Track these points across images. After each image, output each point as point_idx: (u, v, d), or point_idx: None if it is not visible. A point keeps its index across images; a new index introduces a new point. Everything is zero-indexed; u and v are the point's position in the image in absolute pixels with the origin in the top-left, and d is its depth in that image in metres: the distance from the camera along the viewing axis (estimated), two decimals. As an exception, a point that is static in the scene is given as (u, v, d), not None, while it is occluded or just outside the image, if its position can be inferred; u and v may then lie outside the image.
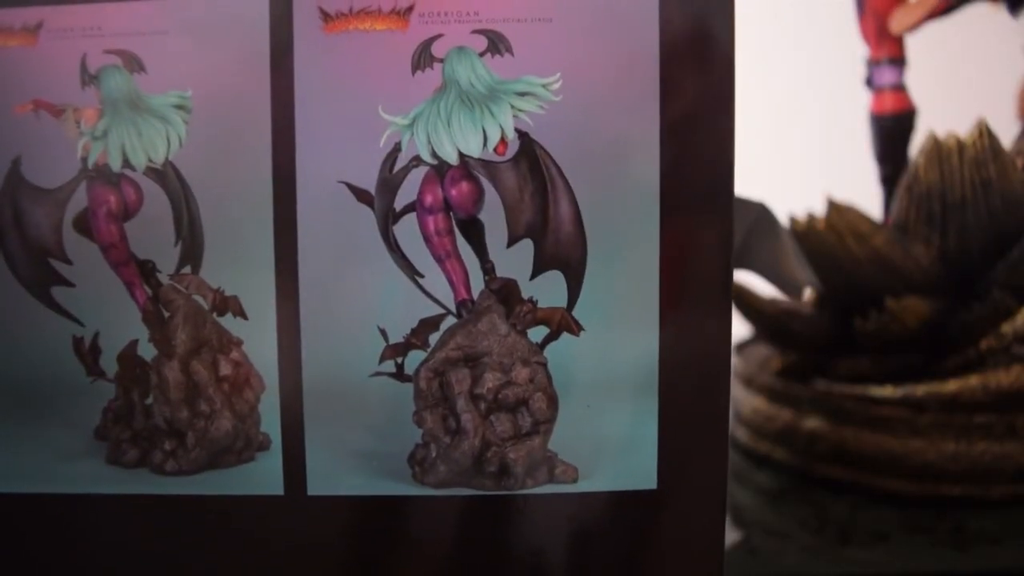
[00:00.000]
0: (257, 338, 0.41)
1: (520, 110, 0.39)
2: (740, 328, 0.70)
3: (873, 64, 0.70)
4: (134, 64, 0.40)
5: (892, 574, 0.52)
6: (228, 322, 0.41)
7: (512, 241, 0.40)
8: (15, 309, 0.41)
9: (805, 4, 0.84)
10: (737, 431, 0.68)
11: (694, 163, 0.39)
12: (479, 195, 0.40)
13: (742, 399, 0.68)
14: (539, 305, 0.40)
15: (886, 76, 0.69)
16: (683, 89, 0.39)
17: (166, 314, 0.41)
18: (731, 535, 0.55)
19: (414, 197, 0.40)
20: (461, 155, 0.39)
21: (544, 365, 0.40)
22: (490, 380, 0.40)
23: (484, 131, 0.39)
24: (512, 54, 0.39)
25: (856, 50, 0.70)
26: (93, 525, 0.41)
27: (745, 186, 0.42)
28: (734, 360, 0.69)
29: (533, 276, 0.40)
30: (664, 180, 0.39)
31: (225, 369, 0.41)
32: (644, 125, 0.39)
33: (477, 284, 0.40)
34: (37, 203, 0.41)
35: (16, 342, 0.41)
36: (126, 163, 0.40)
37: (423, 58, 0.39)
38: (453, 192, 0.40)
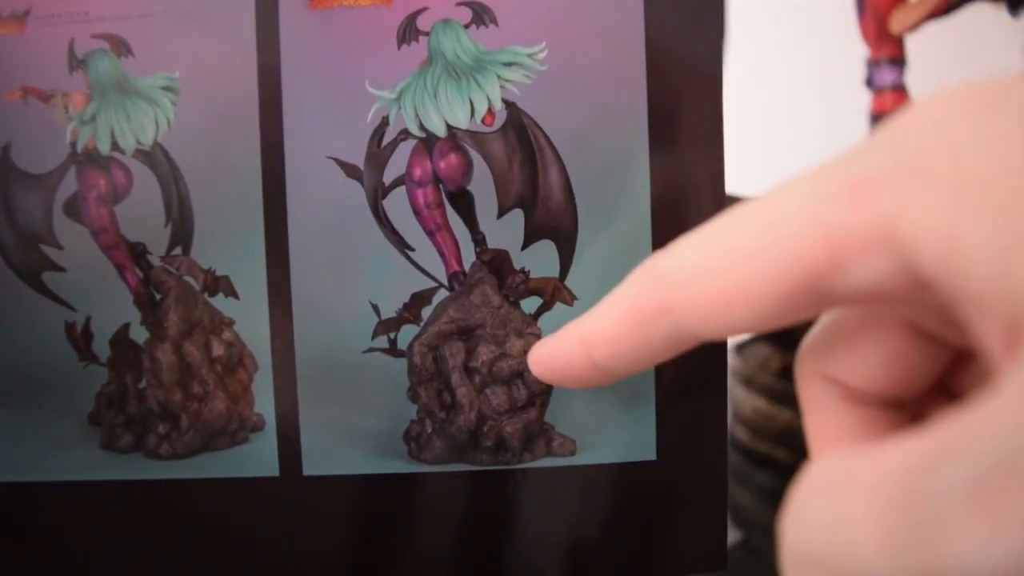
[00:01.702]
0: (249, 318, 0.40)
1: (507, 80, 0.39)
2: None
3: (873, 64, 0.69)
4: (121, 48, 0.40)
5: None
6: (220, 302, 0.41)
7: (502, 211, 0.40)
8: (6, 295, 0.41)
9: (805, 4, 0.85)
10: (737, 431, 0.67)
11: (683, 129, 0.39)
12: (468, 166, 0.40)
13: (742, 399, 0.67)
14: (532, 275, 0.40)
15: (886, 76, 0.69)
16: (670, 55, 0.38)
17: (157, 296, 0.41)
18: (731, 535, 0.54)
19: (403, 170, 0.40)
20: (449, 127, 0.39)
21: (538, 336, 0.40)
22: (484, 353, 0.40)
23: (471, 102, 0.39)
24: (497, 24, 0.39)
25: (856, 50, 0.70)
26: (88, 511, 0.41)
27: (745, 186, 0.41)
28: (734, 360, 0.68)
29: (524, 246, 0.40)
30: (653, 146, 0.39)
31: (218, 350, 0.41)
32: (631, 91, 0.39)
33: (468, 256, 0.40)
34: (27, 189, 0.41)
35: (8, 328, 0.41)
36: (115, 146, 0.40)
37: (408, 31, 0.39)
38: (442, 164, 0.40)
